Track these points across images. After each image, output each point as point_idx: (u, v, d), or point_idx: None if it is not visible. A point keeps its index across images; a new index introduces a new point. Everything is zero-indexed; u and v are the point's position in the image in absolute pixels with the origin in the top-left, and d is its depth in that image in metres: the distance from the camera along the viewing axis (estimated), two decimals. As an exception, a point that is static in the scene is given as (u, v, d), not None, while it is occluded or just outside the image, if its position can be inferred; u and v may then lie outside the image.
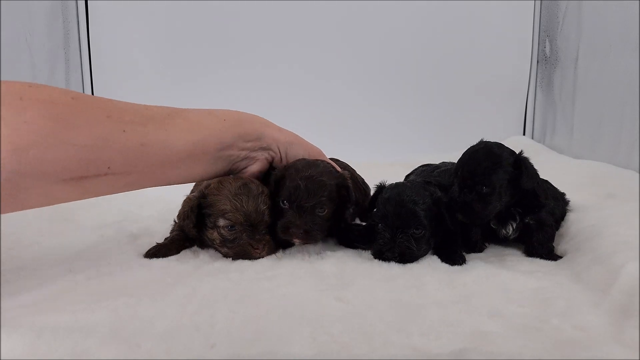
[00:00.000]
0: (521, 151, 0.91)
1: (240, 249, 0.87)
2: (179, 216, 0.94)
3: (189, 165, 0.82)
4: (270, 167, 0.97)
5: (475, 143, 0.93)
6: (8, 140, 0.61)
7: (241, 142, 0.88)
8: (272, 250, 0.89)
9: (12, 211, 0.67)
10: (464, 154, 0.91)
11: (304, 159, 0.94)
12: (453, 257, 0.87)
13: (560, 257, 0.91)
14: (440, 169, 1.06)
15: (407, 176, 1.15)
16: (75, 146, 0.66)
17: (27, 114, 0.63)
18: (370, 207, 0.94)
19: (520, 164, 0.88)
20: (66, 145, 0.66)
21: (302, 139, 0.98)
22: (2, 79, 0.65)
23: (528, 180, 0.87)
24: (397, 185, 0.93)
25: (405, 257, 0.86)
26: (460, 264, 0.86)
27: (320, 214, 0.89)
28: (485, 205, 0.87)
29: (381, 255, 0.86)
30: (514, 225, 0.93)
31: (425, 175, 1.05)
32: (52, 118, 0.64)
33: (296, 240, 0.89)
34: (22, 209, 0.68)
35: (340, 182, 0.92)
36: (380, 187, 0.93)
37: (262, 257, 0.87)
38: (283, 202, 0.89)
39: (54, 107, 0.65)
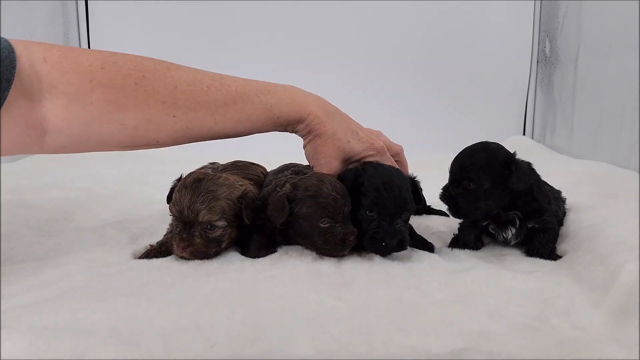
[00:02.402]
0: (514, 152, 0.91)
1: (170, 239, 0.88)
2: None
3: (228, 138, 0.89)
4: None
5: (475, 142, 0.93)
6: (75, 114, 0.73)
7: (284, 130, 0.93)
8: (195, 256, 0.85)
9: (85, 152, 0.82)
10: (460, 151, 0.92)
11: (312, 179, 0.90)
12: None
13: (560, 257, 0.91)
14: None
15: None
16: (126, 126, 0.77)
17: (93, 96, 0.74)
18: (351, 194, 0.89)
19: (511, 165, 0.87)
20: (118, 124, 0.77)
21: (354, 129, 0.95)
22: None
23: (517, 181, 0.86)
24: (378, 168, 0.89)
25: (405, 243, 0.85)
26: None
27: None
28: (470, 202, 0.87)
29: (381, 244, 0.84)
30: (514, 231, 0.93)
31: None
32: (111, 101, 0.75)
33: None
34: (93, 151, 0.83)
35: None
36: (357, 172, 0.89)
37: (184, 257, 0.85)
38: (323, 222, 0.85)
39: (115, 91, 0.75)
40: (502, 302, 0.69)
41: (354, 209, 0.88)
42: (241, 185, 0.92)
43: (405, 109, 2.22)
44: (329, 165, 0.92)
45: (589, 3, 1.75)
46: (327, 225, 0.86)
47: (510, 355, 0.54)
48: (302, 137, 0.95)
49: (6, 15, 1.68)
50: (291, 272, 0.81)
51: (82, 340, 0.55)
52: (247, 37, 2.17)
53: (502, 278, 0.78)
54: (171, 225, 0.97)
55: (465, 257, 0.91)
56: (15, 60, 0.67)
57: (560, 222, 0.97)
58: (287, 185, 0.90)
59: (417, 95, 2.23)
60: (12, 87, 0.66)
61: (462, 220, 0.97)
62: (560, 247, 0.94)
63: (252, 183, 1.00)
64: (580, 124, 1.80)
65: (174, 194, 0.88)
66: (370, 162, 0.93)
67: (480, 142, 0.92)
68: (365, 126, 0.99)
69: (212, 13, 2.15)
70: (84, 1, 2.11)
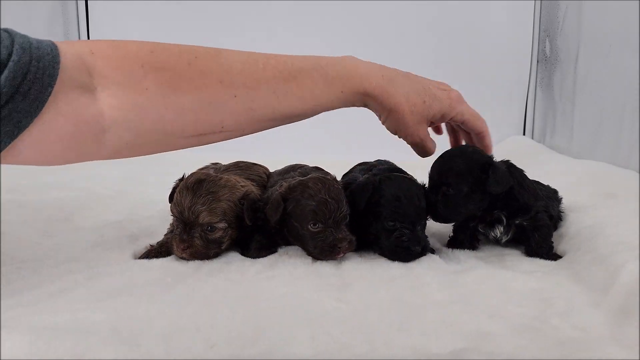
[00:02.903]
0: (492, 156, 0.91)
1: (170, 240, 0.88)
2: None
3: (296, 120, 0.84)
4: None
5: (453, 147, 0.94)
6: (130, 102, 0.69)
7: (349, 105, 0.87)
8: (195, 257, 0.86)
9: (146, 155, 0.77)
10: (439, 156, 0.92)
11: (310, 180, 0.90)
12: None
13: (561, 257, 0.91)
14: (377, 167, 1.05)
15: (347, 174, 1.12)
16: (186, 110, 0.72)
17: (147, 81, 0.69)
18: (364, 205, 0.90)
19: (488, 169, 0.87)
20: (178, 109, 0.72)
21: (425, 86, 0.91)
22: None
23: (494, 185, 0.86)
24: (393, 179, 0.91)
25: (427, 249, 0.88)
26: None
27: (345, 223, 0.88)
28: (450, 207, 0.88)
29: (407, 251, 0.86)
30: (502, 229, 0.93)
31: (367, 172, 1.04)
32: (167, 84, 0.71)
33: (338, 256, 0.87)
34: (158, 152, 0.79)
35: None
36: (374, 186, 0.90)
37: (184, 258, 0.85)
38: (313, 225, 0.85)
39: (168, 74, 0.71)
40: (502, 302, 0.69)
41: (371, 221, 0.89)
42: (242, 187, 0.92)
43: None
44: (417, 134, 0.88)
45: (589, 3, 1.75)
46: (318, 229, 0.86)
47: (510, 355, 0.54)
48: (376, 113, 0.89)
49: (6, 15, 1.68)
50: (291, 273, 0.81)
51: (82, 340, 0.55)
52: (248, 37, 2.17)
53: (502, 278, 0.78)
54: (172, 225, 0.97)
55: (465, 258, 0.91)
56: (58, 56, 0.64)
57: (553, 219, 0.97)
58: (284, 184, 0.91)
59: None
60: (59, 83, 0.63)
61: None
62: (560, 247, 0.94)
63: (254, 184, 1.00)
64: (580, 124, 1.80)
65: (175, 195, 0.88)
66: (386, 175, 0.94)
67: (458, 147, 0.93)
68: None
69: (212, 12, 2.15)
70: (84, 1, 2.11)
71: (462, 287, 0.75)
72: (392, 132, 0.92)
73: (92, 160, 0.75)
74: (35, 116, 0.61)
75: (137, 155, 0.76)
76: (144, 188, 1.49)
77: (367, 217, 0.90)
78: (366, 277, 0.79)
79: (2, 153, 0.63)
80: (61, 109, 0.64)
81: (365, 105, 0.88)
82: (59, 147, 0.67)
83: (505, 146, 2.08)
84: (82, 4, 2.11)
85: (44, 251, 0.91)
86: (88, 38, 2.13)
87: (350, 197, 0.90)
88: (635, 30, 1.41)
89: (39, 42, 0.64)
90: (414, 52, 2.23)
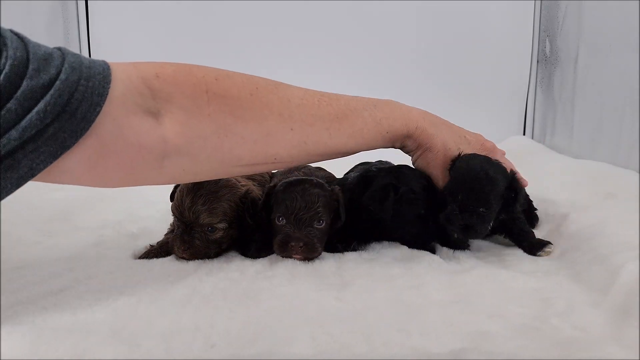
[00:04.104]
0: (513, 172, 0.91)
1: (170, 240, 0.88)
2: None
3: (340, 156, 0.87)
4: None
5: (466, 158, 0.90)
6: (193, 129, 0.69)
7: (391, 146, 0.92)
8: (195, 257, 0.86)
9: (197, 180, 0.81)
10: (462, 177, 0.87)
11: (293, 177, 0.93)
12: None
13: (549, 242, 0.93)
14: (377, 167, 1.04)
15: (347, 174, 1.12)
16: (246, 139, 0.73)
17: (210, 108, 0.70)
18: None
19: (515, 190, 0.89)
20: (238, 137, 0.72)
21: (462, 134, 0.96)
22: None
23: (519, 207, 0.90)
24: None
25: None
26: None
27: (318, 226, 0.87)
28: (483, 226, 0.88)
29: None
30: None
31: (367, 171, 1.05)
32: (229, 113, 0.71)
33: (296, 257, 0.86)
34: (205, 179, 0.82)
35: (332, 196, 0.91)
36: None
37: (184, 258, 0.86)
38: (279, 219, 0.87)
39: (232, 102, 0.72)
40: (502, 302, 0.69)
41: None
42: (243, 186, 0.92)
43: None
44: (446, 177, 0.91)
45: (589, 3, 1.75)
46: (282, 223, 0.87)
47: (510, 355, 0.54)
48: (409, 153, 0.94)
49: (6, 15, 1.68)
50: (291, 272, 0.81)
51: (82, 340, 0.55)
52: (249, 37, 2.17)
53: (502, 278, 0.78)
54: (172, 225, 0.97)
55: (465, 258, 0.91)
56: (109, 76, 0.62)
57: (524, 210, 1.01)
58: (275, 180, 0.94)
59: (416, 95, 2.21)
60: (121, 105, 0.62)
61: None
62: (560, 247, 0.94)
63: (255, 183, 1.00)
64: (580, 124, 1.80)
65: (175, 195, 0.88)
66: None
67: (477, 164, 0.88)
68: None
69: (213, 12, 2.15)
70: (84, 1, 2.11)
71: (462, 287, 0.75)
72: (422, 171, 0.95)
73: (149, 185, 0.75)
74: (82, 135, 0.60)
75: (191, 181, 0.77)
76: (144, 188, 1.49)
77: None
78: (366, 277, 0.79)
79: (59, 176, 0.62)
80: (122, 133, 0.64)
81: (401, 147, 0.92)
82: (120, 170, 0.67)
83: (505, 146, 2.06)
84: (82, 4, 2.11)
85: (44, 251, 0.91)
86: (88, 38, 2.13)
87: (351, 212, 0.92)
88: (635, 30, 1.42)
89: (92, 61, 0.63)
90: (414, 52, 2.23)
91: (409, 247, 0.93)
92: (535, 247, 0.93)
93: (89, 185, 0.68)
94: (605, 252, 0.79)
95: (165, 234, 0.97)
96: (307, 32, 2.20)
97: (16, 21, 1.79)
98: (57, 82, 0.57)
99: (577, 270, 0.81)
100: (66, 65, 0.59)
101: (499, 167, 0.90)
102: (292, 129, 0.76)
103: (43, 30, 1.95)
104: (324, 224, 0.88)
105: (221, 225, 0.87)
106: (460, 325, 0.62)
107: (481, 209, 0.86)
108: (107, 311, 0.64)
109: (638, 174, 1.30)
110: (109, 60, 0.66)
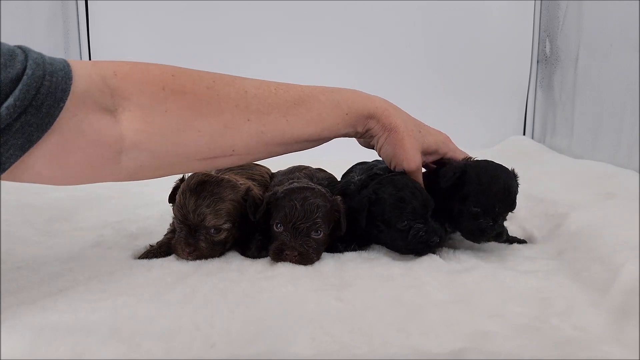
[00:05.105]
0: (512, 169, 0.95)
1: (174, 243, 0.87)
2: None
3: (304, 145, 0.87)
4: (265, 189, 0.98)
5: (482, 163, 0.94)
6: (151, 125, 0.70)
7: (355, 131, 0.90)
8: (200, 259, 0.86)
9: (159, 177, 0.78)
10: (491, 189, 0.90)
11: (296, 184, 0.92)
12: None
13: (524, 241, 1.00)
14: (377, 167, 1.05)
15: (346, 174, 1.12)
16: (203, 133, 0.74)
17: (168, 104, 0.71)
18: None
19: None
20: (196, 132, 0.73)
21: (418, 123, 0.96)
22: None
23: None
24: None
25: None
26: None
27: (316, 236, 0.87)
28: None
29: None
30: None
31: (366, 171, 1.05)
32: (187, 108, 0.72)
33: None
34: (166, 176, 0.80)
35: (334, 207, 0.90)
36: (369, 200, 0.90)
37: (189, 260, 0.86)
38: (277, 225, 0.87)
39: (189, 97, 0.73)
40: (502, 302, 0.69)
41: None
42: (242, 184, 0.92)
43: (405, 109, 2.21)
44: (414, 159, 0.91)
45: (589, 3, 1.75)
46: (279, 230, 0.87)
47: (510, 355, 0.54)
48: (374, 138, 0.92)
49: (6, 15, 1.68)
50: (291, 272, 0.81)
51: (82, 340, 0.55)
52: (249, 36, 2.17)
53: (502, 278, 0.78)
54: (172, 225, 0.97)
55: (465, 258, 0.91)
56: (71, 72, 0.64)
57: None
58: (277, 188, 0.93)
59: (416, 95, 2.23)
60: (81, 103, 0.64)
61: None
62: (560, 247, 0.94)
63: (255, 183, 1.01)
64: (580, 124, 1.80)
65: (177, 197, 0.88)
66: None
67: (497, 169, 0.92)
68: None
69: (213, 12, 2.15)
70: (84, 1, 2.11)
71: (462, 287, 0.75)
72: (387, 157, 0.94)
73: (109, 181, 0.75)
74: (47, 130, 0.61)
75: (151, 177, 0.77)
76: (144, 188, 1.49)
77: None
78: (366, 276, 0.79)
79: (21, 172, 0.63)
80: (82, 130, 0.65)
81: (366, 130, 0.90)
82: (79, 167, 0.68)
83: (505, 146, 2.08)
84: (82, 4, 2.11)
85: (44, 251, 0.91)
86: (88, 38, 2.13)
87: (351, 216, 0.92)
88: (635, 30, 1.42)
89: (52, 58, 0.64)
90: (414, 52, 2.23)
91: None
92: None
93: (49, 183, 0.69)
94: (605, 252, 0.79)
95: (165, 234, 0.97)
96: (307, 33, 2.20)
97: (16, 21, 1.79)
98: (25, 77, 0.59)
99: (577, 270, 0.81)
100: (30, 61, 0.60)
101: (507, 168, 0.93)
102: (248, 120, 0.77)
103: (43, 30, 1.95)
104: (321, 235, 0.87)
105: (226, 226, 0.87)
106: (460, 325, 0.62)
107: (507, 214, 0.90)
108: (107, 311, 0.64)
109: (638, 174, 1.30)
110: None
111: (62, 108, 0.62)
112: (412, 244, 0.88)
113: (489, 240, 0.92)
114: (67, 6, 2.08)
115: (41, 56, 0.63)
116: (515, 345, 0.56)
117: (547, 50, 2.11)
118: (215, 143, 0.76)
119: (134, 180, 0.76)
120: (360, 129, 0.90)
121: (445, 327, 0.61)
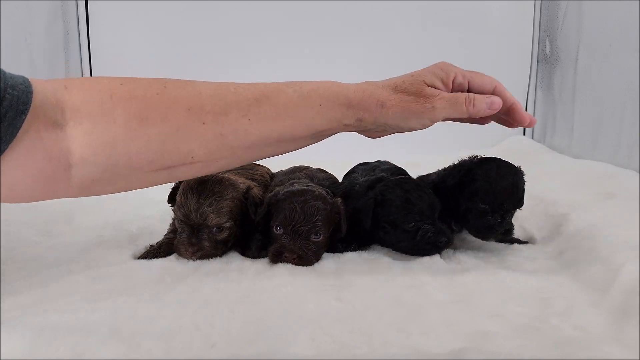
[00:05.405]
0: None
1: (176, 243, 0.87)
2: None
3: (278, 147, 0.78)
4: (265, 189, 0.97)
5: (489, 160, 0.94)
6: (99, 137, 0.67)
7: (340, 125, 0.77)
8: (203, 258, 0.86)
9: (117, 192, 0.76)
10: (500, 187, 0.89)
11: (296, 187, 0.92)
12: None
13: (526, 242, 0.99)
14: (380, 168, 1.05)
15: (348, 174, 1.12)
16: (154, 140, 0.69)
17: (115, 113, 0.68)
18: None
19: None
20: (144, 139, 0.69)
21: (417, 72, 0.82)
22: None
23: None
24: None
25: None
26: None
27: (315, 239, 0.87)
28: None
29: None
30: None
31: (369, 172, 1.05)
32: (134, 115, 0.69)
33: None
34: (125, 191, 0.77)
35: (334, 209, 0.90)
36: (374, 201, 0.90)
37: (192, 259, 0.86)
38: (277, 228, 0.87)
39: (137, 103, 0.69)
40: (502, 302, 0.69)
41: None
42: (242, 183, 0.92)
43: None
44: (429, 101, 0.77)
45: (589, 3, 1.75)
46: (278, 232, 0.87)
47: (510, 355, 0.54)
48: (376, 124, 0.78)
49: (6, 15, 1.68)
50: (291, 272, 0.81)
51: (82, 340, 0.55)
52: (249, 36, 2.17)
53: (502, 278, 0.78)
54: (172, 225, 0.97)
55: (465, 258, 0.91)
56: (30, 86, 0.63)
57: None
58: (277, 189, 0.93)
59: (417, 95, 2.23)
60: (33, 119, 0.63)
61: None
62: (560, 247, 0.94)
63: (255, 183, 1.01)
64: (580, 124, 1.80)
65: (177, 197, 0.88)
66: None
67: (504, 166, 0.92)
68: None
69: (213, 12, 2.15)
70: (84, 1, 2.11)
71: (462, 287, 0.75)
72: (406, 130, 0.80)
73: (60, 198, 0.73)
74: (10, 142, 0.61)
75: (107, 192, 0.74)
76: (144, 188, 1.49)
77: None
78: (366, 277, 0.79)
79: None
80: (33, 145, 0.63)
81: (359, 121, 0.77)
82: (28, 183, 0.66)
83: (505, 146, 2.08)
84: (82, 4, 2.11)
85: (44, 251, 0.91)
86: (88, 38, 2.12)
87: (355, 217, 0.91)
88: (635, 30, 1.42)
89: (11, 74, 0.64)
90: (414, 52, 2.22)
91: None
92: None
93: (2, 201, 0.67)
94: (605, 252, 0.79)
95: (165, 234, 0.97)
96: (307, 33, 2.19)
97: (16, 21, 1.78)
98: None
99: (577, 270, 0.81)
100: None
101: (513, 165, 0.94)
102: (204, 123, 0.71)
103: (43, 30, 1.95)
104: (321, 237, 0.87)
105: (228, 224, 0.87)
106: (460, 325, 0.62)
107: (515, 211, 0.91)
108: (107, 311, 0.64)
109: (638, 174, 1.30)
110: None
111: (23, 120, 0.61)
112: (420, 244, 0.88)
113: (497, 238, 0.92)
114: (67, 6, 2.08)
115: (1, 70, 0.62)
116: (515, 345, 0.56)
117: (547, 50, 2.11)
118: (168, 150, 0.70)
119: (90, 195, 0.73)
120: (347, 121, 0.77)
121: (445, 327, 0.61)
